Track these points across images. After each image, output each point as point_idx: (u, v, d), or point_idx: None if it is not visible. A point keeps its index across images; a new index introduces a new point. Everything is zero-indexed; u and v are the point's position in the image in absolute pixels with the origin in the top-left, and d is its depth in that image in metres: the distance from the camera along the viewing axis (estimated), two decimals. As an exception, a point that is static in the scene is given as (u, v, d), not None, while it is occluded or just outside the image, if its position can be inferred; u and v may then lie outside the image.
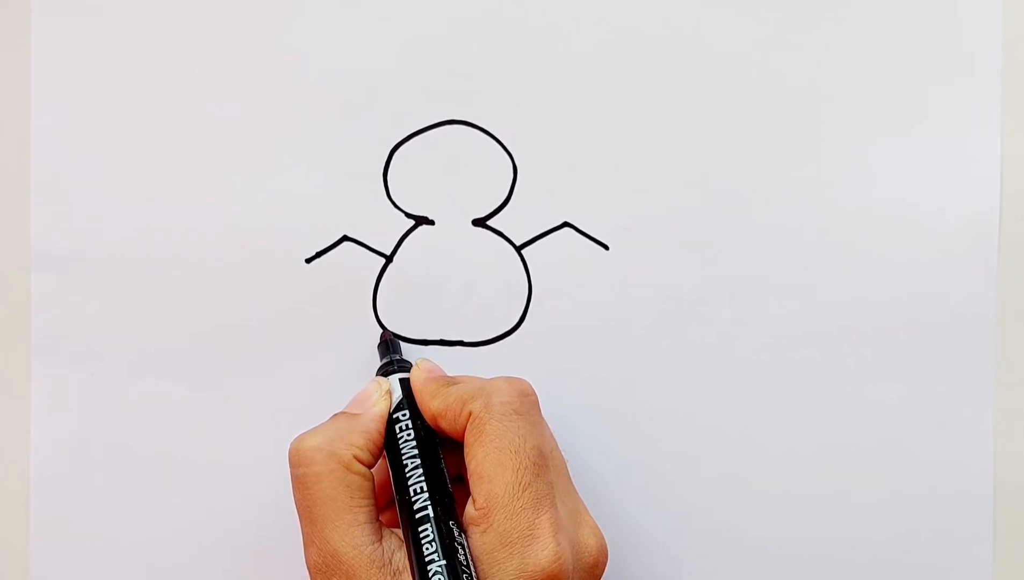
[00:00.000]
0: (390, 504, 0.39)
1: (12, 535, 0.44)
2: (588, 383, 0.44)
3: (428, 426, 0.38)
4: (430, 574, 0.34)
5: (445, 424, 0.38)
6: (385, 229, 0.44)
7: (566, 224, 0.44)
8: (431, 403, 0.38)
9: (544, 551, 0.34)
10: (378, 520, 0.37)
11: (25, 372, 0.44)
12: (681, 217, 0.43)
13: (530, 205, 0.43)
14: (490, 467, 0.35)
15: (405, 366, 0.41)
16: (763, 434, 0.44)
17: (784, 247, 0.43)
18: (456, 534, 0.35)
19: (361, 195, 0.43)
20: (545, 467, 0.36)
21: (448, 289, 0.44)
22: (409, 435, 0.38)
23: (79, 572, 0.44)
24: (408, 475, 0.37)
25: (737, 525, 0.44)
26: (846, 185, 0.43)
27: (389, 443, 0.38)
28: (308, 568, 0.36)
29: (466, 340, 0.44)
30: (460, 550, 0.34)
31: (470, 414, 0.37)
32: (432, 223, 0.44)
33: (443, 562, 0.34)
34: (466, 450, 0.37)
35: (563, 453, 0.39)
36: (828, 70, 0.43)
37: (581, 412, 0.44)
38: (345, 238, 0.43)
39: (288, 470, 0.37)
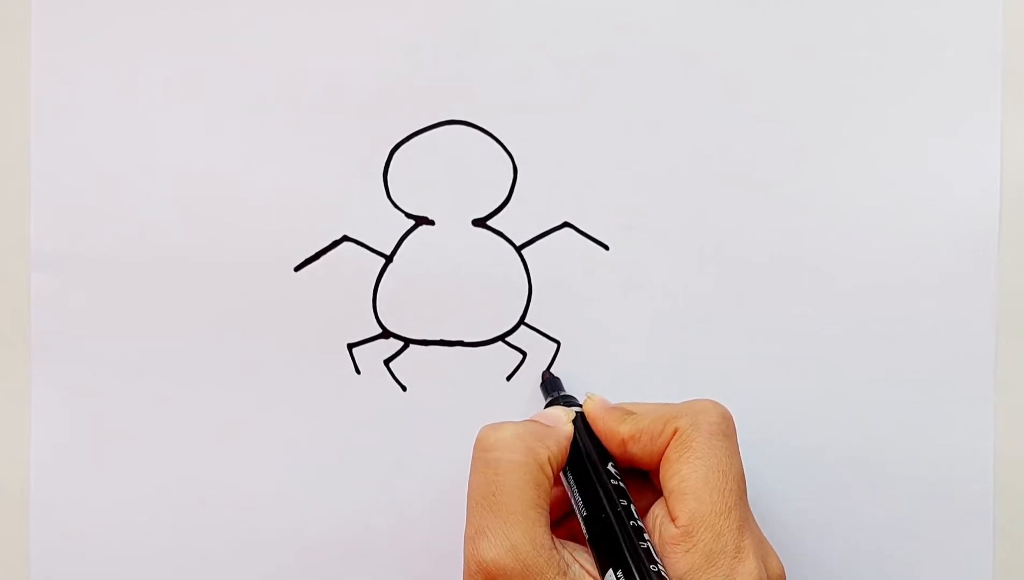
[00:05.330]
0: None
1: (12, 535, 0.44)
2: (587, 384, 0.43)
3: (597, 449, 0.39)
4: None
5: (637, 448, 0.38)
6: (385, 229, 0.43)
7: (566, 224, 0.44)
8: (620, 428, 0.38)
9: (750, 573, 0.34)
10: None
11: (25, 372, 0.44)
12: (681, 217, 0.43)
13: (530, 205, 0.43)
14: (696, 484, 0.35)
15: (571, 401, 0.41)
16: (762, 434, 0.43)
17: (783, 247, 0.43)
18: (654, 554, 0.35)
19: (361, 195, 0.43)
20: (745, 491, 0.36)
21: (448, 289, 0.44)
22: (602, 460, 0.38)
23: (79, 572, 0.44)
24: (605, 493, 0.37)
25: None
26: (845, 186, 0.43)
27: (576, 464, 0.38)
28: (473, 561, 0.35)
29: (466, 340, 0.44)
30: (659, 569, 0.34)
31: (675, 431, 0.37)
32: (432, 223, 0.44)
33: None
34: (667, 467, 0.36)
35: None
36: (828, 71, 0.43)
37: (581, 412, 0.44)
38: (345, 238, 0.43)
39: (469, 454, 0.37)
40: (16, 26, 0.43)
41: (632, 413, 0.39)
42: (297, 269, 0.43)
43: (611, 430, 0.38)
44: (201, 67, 0.43)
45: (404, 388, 0.44)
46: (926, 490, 0.43)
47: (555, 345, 0.44)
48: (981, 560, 0.43)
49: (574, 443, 0.38)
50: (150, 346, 0.44)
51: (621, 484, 0.37)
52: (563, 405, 0.41)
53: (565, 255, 0.44)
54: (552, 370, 0.44)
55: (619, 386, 0.43)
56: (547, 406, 0.41)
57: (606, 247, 0.44)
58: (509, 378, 0.44)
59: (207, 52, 0.43)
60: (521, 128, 0.43)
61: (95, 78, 0.43)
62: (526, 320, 0.44)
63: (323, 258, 0.43)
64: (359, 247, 0.43)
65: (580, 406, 0.40)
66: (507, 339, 0.44)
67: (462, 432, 0.43)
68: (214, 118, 0.43)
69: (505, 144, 0.43)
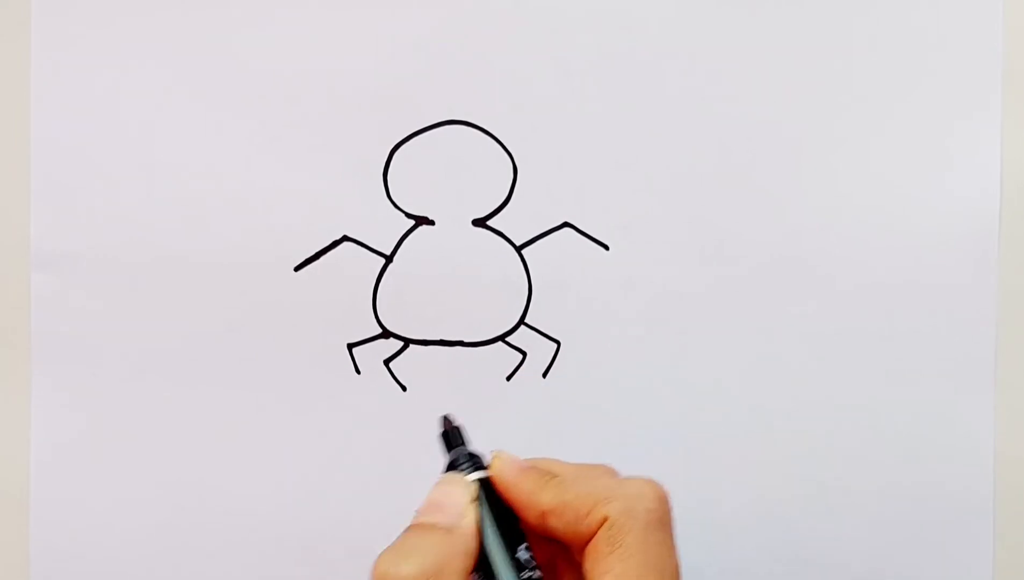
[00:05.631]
0: None
1: (12, 535, 0.44)
2: (587, 384, 0.44)
3: (506, 529, 0.33)
4: None
5: (560, 523, 0.32)
6: (385, 229, 0.44)
7: (566, 224, 0.44)
8: (540, 498, 0.33)
9: None
10: None
11: (25, 372, 0.44)
12: (681, 217, 0.43)
13: (530, 205, 0.43)
14: None
15: (476, 461, 0.34)
16: (763, 434, 0.43)
17: (783, 247, 0.43)
18: None
19: (361, 195, 0.43)
20: None
21: (448, 289, 0.44)
22: (513, 545, 0.33)
23: (79, 572, 0.44)
24: None
25: (735, 525, 0.44)
26: (846, 185, 0.43)
27: (482, 562, 0.32)
28: None
29: (466, 340, 0.44)
30: None
31: (605, 518, 0.31)
32: (432, 223, 0.44)
33: None
34: (595, 560, 0.31)
35: (557, 457, 0.36)
36: (828, 71, 0.43)
37: (580, 412, 0.44)
38: (345, 238, 0.43)
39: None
40: (16, 26, 0.43)
41: (554, 475, 0.33)
42: (297, 269, 0.43)
43: (528, 500, 0.33)
44: (201, 67, 0.43)
45: (404, 388, 0.44)
46: (926, 490, 0.43)
47: (555, 345, 0.44)
48: (981, 560, 0.43)
49: (481, 530, 0.33)
50: (150, 346, 0.44)
51: (537, 576, 0.32)
52: (466, 465, 0.34)
53: (565, 255, 0.44)
54: (552, 370, 0.44)
55: (619, 386, 0.43)
56: (447, 467, 0.35)
57: (606, 247, 0.44)
58: (509, 378, 0.44)
59: (207, 52, 0.43)
60: (521, 128, 0.43)
61: (95, 78, 0.43)
62: (526, 320, 0.44)
63: (323, 258, 0.43)
64: (359, 247, 0.43)
65: (484, 468, 0.34)
66: (507, 339, 0.44)
67: (462, 432, 0.43)
68: (214, 118, 0.43)
69: (505, 144, 0.43)
